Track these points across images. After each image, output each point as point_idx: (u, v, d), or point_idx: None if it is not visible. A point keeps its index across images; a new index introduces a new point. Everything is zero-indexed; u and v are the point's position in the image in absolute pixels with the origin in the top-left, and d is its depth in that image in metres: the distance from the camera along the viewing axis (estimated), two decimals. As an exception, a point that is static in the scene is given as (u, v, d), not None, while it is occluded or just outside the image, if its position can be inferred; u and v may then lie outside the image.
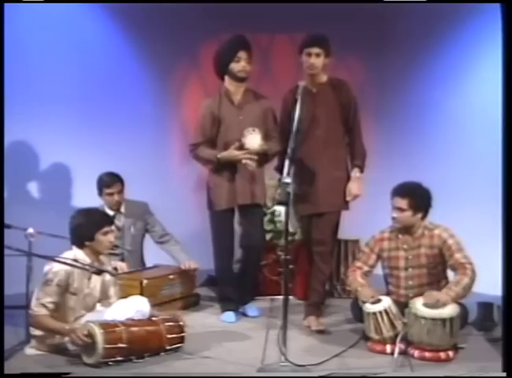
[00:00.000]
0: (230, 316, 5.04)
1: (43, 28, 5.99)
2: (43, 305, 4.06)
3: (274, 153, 4.94)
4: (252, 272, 5.17)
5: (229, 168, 4.92)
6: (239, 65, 4.91)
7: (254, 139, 4.83)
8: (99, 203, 5.40)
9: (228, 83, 4.99)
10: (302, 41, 4.81)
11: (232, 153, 4.84)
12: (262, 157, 4.92)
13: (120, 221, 5.45)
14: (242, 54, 4.90)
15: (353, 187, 4.85)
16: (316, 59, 4.74)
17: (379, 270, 4.76)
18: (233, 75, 4.94)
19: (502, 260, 3.76)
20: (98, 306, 4.36)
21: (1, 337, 4.05)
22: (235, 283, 5.14)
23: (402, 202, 4.49)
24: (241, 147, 4.84)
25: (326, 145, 4.81)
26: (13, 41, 5.35)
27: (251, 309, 5.17)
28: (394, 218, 4.54)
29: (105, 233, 4.27)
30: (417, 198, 4.52)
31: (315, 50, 4.73)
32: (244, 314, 5.13)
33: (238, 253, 5.23)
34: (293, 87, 4.79)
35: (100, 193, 5.44)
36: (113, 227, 4.42)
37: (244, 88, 5.01)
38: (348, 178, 4.87)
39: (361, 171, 4.88)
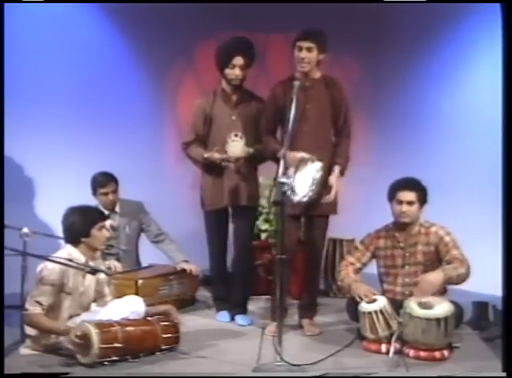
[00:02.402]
0: (225, 315, 5.03)
1: (42, 28, 5.98)
2: (38, 303, 4.05)
3: (265, 156, 4.78)
4: (243, 275, 5.00)
5: (218, 168, 4.85)
6: (233, 73, 4.79)
7: (235, 147, 4.79)
8: (94, 203, 5.38)
9: (224, 83, 4.92)
10: (296, 34, 4.57)
11: (214, 155, 4.79)
12: (253, 160, 4.86)
13: (115, 221, 5.42)
14: (237, 60, 4.75)
15: (331, 180, 4.54)
16: (307, 53, 4.48)
17: (373, 270, 4.76)
18: (227, 81, 4.86)
19: (502, 259, 3.76)
20: (94, 306, 4.36)
21: (1, 338, 4.05)
22: (229, 283, 5.11)
23: (412, 195, 4.51)
24: (224, 150, 4.81)
25: (313, 143, 4.53)
26: (12, 41, 5.32)
27: (241, 318, 4.94)
28: (403, 212, 4.50)
29: (101, 228, 4.28)
30: (422, 191, 4.56)
31: (306, 43, 4.47)
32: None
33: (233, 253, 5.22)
34: (284, 79, 4.66)
35: (94, 193, 5.43)
36: (107, 223, 4.42)
37: (240, 89, 4.91)
38: None
39: (342, 173, 4.63)
